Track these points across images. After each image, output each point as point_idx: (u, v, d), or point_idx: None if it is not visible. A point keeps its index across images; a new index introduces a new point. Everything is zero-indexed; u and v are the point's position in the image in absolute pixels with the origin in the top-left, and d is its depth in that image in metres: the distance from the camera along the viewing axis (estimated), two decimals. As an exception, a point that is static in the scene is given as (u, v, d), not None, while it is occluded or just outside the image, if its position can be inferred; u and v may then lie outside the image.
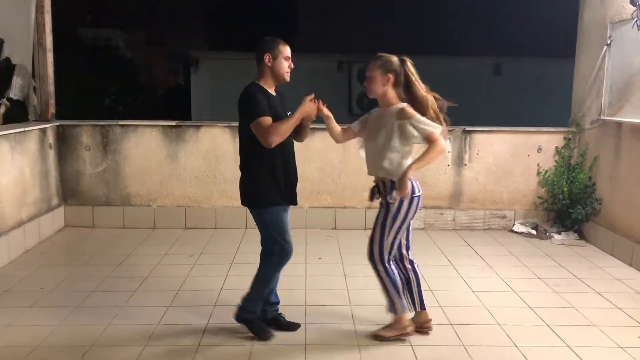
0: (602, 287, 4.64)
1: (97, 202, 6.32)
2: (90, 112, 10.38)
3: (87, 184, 6.31)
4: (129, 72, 15.82)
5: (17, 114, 6.19)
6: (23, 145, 5.53)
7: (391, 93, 3.48)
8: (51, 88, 6.30)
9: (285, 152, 3.48)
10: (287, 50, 3.43)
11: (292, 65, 3.47)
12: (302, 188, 5.97)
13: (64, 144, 6.26)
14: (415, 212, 3.52)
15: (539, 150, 6.38)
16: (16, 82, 5.90)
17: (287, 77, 3.46)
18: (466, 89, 13.21)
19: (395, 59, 3.47)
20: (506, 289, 4.61)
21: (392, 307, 3.61)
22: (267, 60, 3.39)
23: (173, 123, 6.36)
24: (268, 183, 3.42)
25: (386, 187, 3.48)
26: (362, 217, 6.36)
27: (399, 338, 3.62)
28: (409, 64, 3.47)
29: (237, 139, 3.56)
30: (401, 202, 3.43)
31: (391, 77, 3.44)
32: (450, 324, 3.89)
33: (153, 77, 17.70)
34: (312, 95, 3.45)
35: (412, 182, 3.43)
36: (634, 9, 5.21)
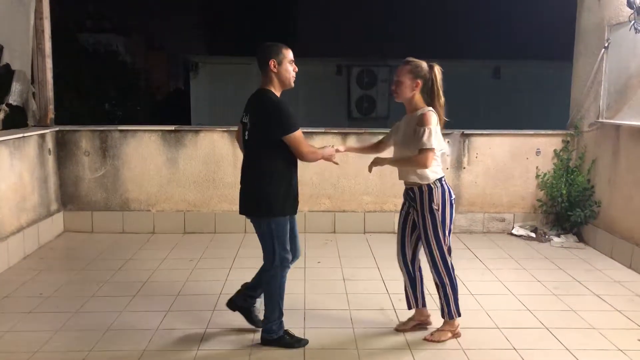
0: (601, 289, 4.64)
1: (96, 207, 6.32)
2: (90, 117, 10.41)
3: (86, 189, 6.31)
4: (128, 77, 15.85)
5: (17, 119, 6.19)
6: (22, 150, 5.54)
7: (418, 98, 3.52)
8: (50, 93, 6.31)
9: (297, 163, 3.52)
10: (290, 54, 3.42)
11: (297, 69, 3.48)
12: (301, 192, 5.97)
13: (63, 149, 6.27)
14: (452, 215, 3.60)
15: (538, 153, 6.39)
16: (15, 87, 5.90)
17: (293, 82, 3.46)
18: (465, 92, 13.24)
19: (424, 64, 3.51)
20: (505, 292, 4.61)
21: (450, 312, 3.68)
22: (272, 66, 3.36)
23: (172, 128, 6.37)
24: (284, 192, 3.41)
25: (423, 193, 3.52)
26: (362, 220, 6.37)
27: (452, 339, 3.71)
28: (437, 71, 3.52)
29: (237, 144, 3.56)
30: (444, 206, 3.52)
31: (420, 82, 3.48)
32: (450, 328, 3.88)
33: (152, 81, 17.75)
34: (334, 150, 3.67)
35: (446, 184, 3.56)
36: (632, 11, 5.22)
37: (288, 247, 3.51)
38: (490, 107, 12.99)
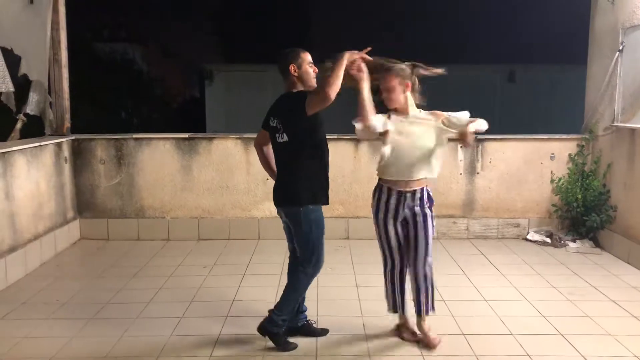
0: (617, 295, 4.59)
1: (111, 214, 6.40)
2: (106, 126, 10.53)
3: (102, 197, 6.39)
4: (144, 86, 16.01)
5: (34, 128, 6.30)
6: (39, 159, 5.63)
7: (410, 99, 3.57)
8: (66, 103, 6.41)
9: (327, 155, 3.61)
10: (308, 57, 3.52)
11: (317, 70, 3.54)
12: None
13: (79, 157, 6.36)
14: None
15: (552, 157, 6.34)
16: (32, 97, 6.02)
17: (315, 82, 3.53)
18: (480, 97, 13.18)
19: (404, 65, 3.56)
20: (519, 298, 4.57)
21: (433, 305, 3.72)
22: (293, 71, 3.46)
23: (186, 136, 6.43)
24: (323, 181, 3.54)
25: (423, 196, 3.60)
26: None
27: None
28: (417, 67, 3.60)
29: (253, 149, 3.70)
30: (431, 208, 3.64)
31: (409, 83, 3.54)
32: (463, 334, 3.87)
33: (168, 89, 17.88)
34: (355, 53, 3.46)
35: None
36: (646, 14, 5.18)
37: (323, 244, 3.59)
38: (505, 111, 12.91)
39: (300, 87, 3.50)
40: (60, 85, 6.31)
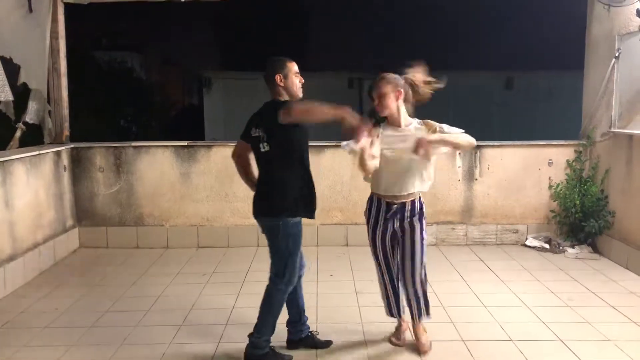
0: (616, 301, 4.59)
1: (110, 222, 6.40)
2: (104, 134, 10.54)
3: (101, 205, 6.39)
4: (142, 94, 16.02)
5: (33, 137, 6.31)
6: (38, 167, 5.63)
7: (403, 108, 3.55)
8: (65, 111, 6.43)
9: (309, 167, 3.53)
10: (295, 67, 3.48)
11: (303, 80, 3.51)
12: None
13: (78, 166, 6.37)
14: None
15: (550, 163, 6.36)
16: (32, 106, 6.03)
17: (300, 93, 3.50)
18: (478, 103, 13.24)
19: (397, 75, 3.55)
20: (519, 304, 4.57)
21: (427, 311, 3.74)
22: (279, 80, 3.41)
23: (185, 143, 6.44)
24: (305, 193, 3.45)
25: (414, 207, 3.59)
26: (374, 233, 6.36)
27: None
28: (414, 75, 3.57)
29: (252, 155, 3.56)
30: (422, 220, 3.63)
31: (402, 91, 3.51)
32: (462, 340, 3.87)
33: (167, 97, 17.91)
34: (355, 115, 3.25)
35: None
36: (641, 21, 5.21)
37: (298, 260, 3.50)
38: (502, 117, 12.96)
39: (286, 97, 3.45)
40: (59, 93, 6.33)
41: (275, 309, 3.50)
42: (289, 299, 3.63)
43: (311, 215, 3.50)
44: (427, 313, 3.74)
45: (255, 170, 3.65)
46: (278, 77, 3.41)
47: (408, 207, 3.58)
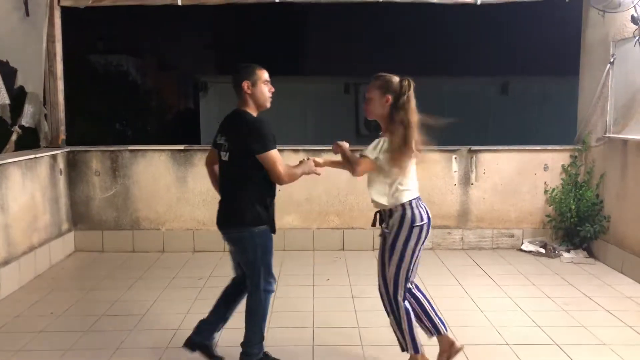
0: (612, 305, 4.61)
1: (106, 226, 6.38)
2: (101, 138, 10.53)
3: (97, 209, 6.38)
4: (139, 97, 16.03)
5: (29, 140, 6.30)
6: (34, 171, 5.62)
7: (387, 115, 3.26)
8: (62, 115, 6.42)
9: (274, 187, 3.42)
10: (265, 75, 3.35)
11: (273, 89, 3.39)
12: (309, 209, 6.02)
13: (74, 169, 6.36)
14: (417, 244, 3.22)
15: (546, 168, 6.39)
16: (28, 109, 6.02)
17: (269, 103, 3.37)
18: (474, 108, 13.29)
19: (395, 79, 3.27)
20: (515, 308, 4.58)
21: (404, 346, 3.35)
22: (246, 88, 3.28)
23: (181, 147, 6.44)
24: (268, 202, 3.35)
25: (393, 216, 3.25)
26: (370, 237, 6.37)
27: None
28: (410, 84, 3.24)
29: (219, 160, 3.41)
30: (398, 232, 3.21)
31: (390, 97, 3.22)
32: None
33: (163, 101, 17.91)
34: (312, 163, 3.47)
35: (412, 210, 3.21)
36: (636, 27, 5.25)
37: (272, 271, 3.40)
38: (498, 122, 13.01)
39: (252, 106, 3.32)
40: (55, 97, 6.32)
41: (260, 315, 3.40)
42: (229, 300, 3.55)
43: (272, 230, 3.38)
44: (407, 349, 3.33)
45: None
46: (246, 84, 3.28)
47: (387, 213, 3.29)
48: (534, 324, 4.24)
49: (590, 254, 6.04)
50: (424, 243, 3.29)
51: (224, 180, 3.43)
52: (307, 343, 3.91)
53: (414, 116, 3.20)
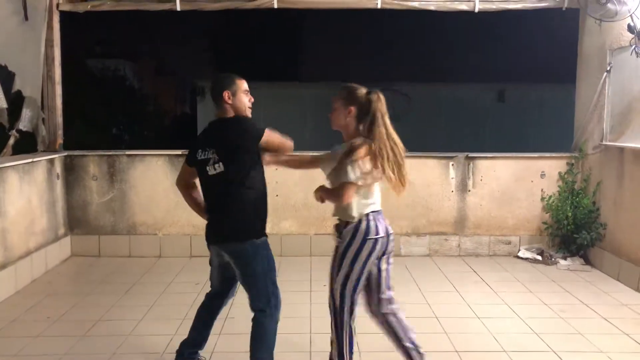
0: (608, 312, 4.62)
1: (103, 231, 6.37)
2: (98, 142, 10.52)
3: (94, 213, 6.37)
4: (137, 102, 16.03)
5: (26, 145, 6.29)
6: (31, 175, 5.61)
7: (352, 126, 3.18)
8: (59, 119, 6.41)
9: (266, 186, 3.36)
10: (244, 85, 3.30)
11: (252, 99, 3.33)
12: (307, 215, 5.99)
13: (72, 174, 6.35)
14: (368, 257, 3.11)
15: (543, 175, 6.41)
16: (25, 113, 6.02)
17: (249, 112, 3.30)
18: (470, 115, 13.33)
19: (361, 90, 3.19)
20: (512, 315, 4.59)
21: None
22: (226, 97, 3.21)
23: (179, 152, 6.43)
24: (264, 215, 3.29)
25: (341, 226, 3.19)
26: (367, 244, 6.38)
27: None
28: (376, 98, 3.13)
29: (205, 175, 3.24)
30: (350, 243, 3.10)
31: (353, 109, 3.14)
32: (456, 351, 3.88)
33: (160, 106, 17.91)
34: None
35: (369, 222, 3.10)
36: (632, 36, 5.29)
37: (276, 281, 3.29)
38: (495, 129, 13.04)
39: (233, 116, 3.24)
40: (53, 101, 6.32)
41: (272, 341, 3.21)
42: (204, 320, 3.46)
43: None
44: None
45: (200, 196, 3.40)
46: (226, 94, 3.21)
47: (342, 227, 3.18)
48: (530, 331, 4.25)
49: (587, 261, 6.05)
50: (381, 259, 3.17)
51: (215, 195, 3.25)
52: (305, 349, 3.91)
53: (381, 128, 3.08)
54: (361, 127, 3.15)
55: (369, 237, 3.10)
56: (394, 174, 3.07)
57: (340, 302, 3.18)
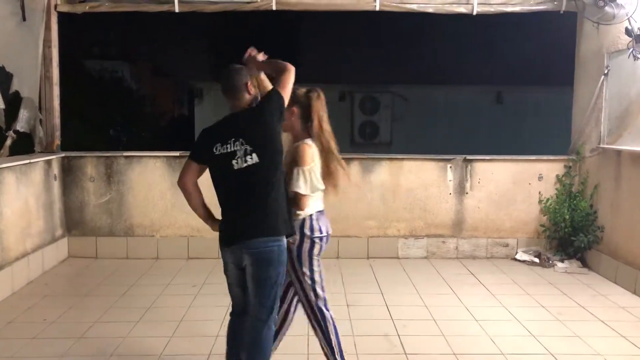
0: (605, 315, 4.62)
1: (100, 232, 6.35)
2: (95, 143, 10.49)
3: (91, 215, 6.35)
4: (134, 103, 15.99)
5: (24, 145, 6.27)
6: (28, 176, 5.60)
7: (298, 127, 3.23)
8: (57, 120, 6.40)
9: None
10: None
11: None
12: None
13: (69, 175, 6.33)
14: (319, 254, 3.23)
15: (540, 178, 6.41)
16: (23, 114, 6.00)
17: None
18: (468, 118, 13.34)
19: (301, 90, 3.24)
20: (509, 317, 4.59)
21: (332, 358, 3.34)
22: (250, 88, 3.09)
23: (176, 154, 6.42)
24: (291, 212, 3.14)
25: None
26: (365, 246, 6.38)
27: None
28: (315, 96, 3.21)
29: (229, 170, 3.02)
30: (301, 242, 3.18)
31: (296, 110, 3.20)
32: (454, 354, 3.88)
33: (158, 107, 17.87)
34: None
35: (312, 222, 3.18)
36: (630, 39, 5.29)
37: None
38: (492, 132, 13.05)
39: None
40: (50, 102, 6.30)
41: (268, 349, 3.09)
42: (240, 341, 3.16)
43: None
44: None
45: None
46: (249, 85, 3.08)
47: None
48: (528, 333, 4.25)
49: (584, 264, 6.06)
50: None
51: (245, 190, 3.00)
52: (302, 351, 3.90)
53: (318, 125, 3.19)
54: (307, 127, 3.22)
55: (315, 236, 3.21)
56: (340, 168, 3.28)
57: (316, 298, 3.27)
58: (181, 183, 3.19)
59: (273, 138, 3.01)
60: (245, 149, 2.96)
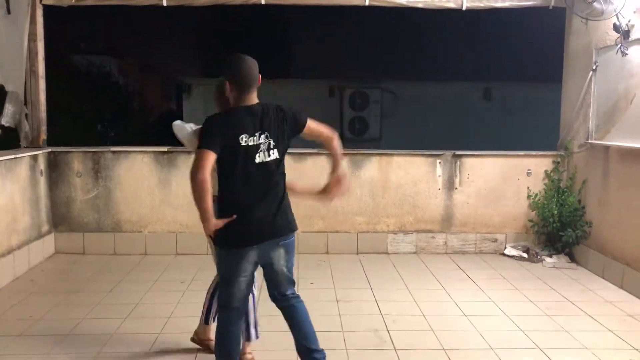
0: (593, 309, 4.65)
1: (87, 228, 6.29)
2: (82, 138, 10.39)
3: (78, 211, 6.29)
4: (121, 98, 15.86)
5: (9, 140, 6.19)
6: (14, 172, 5.52)
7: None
8: (43, 115, 6.32)
9: None
10: None
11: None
12: (295, 213, 5.94)
13: (55, 170, 6.26)
14: None
15: (529, 173, 6.44)
16: (8, 109, 5.91)
17: None
18: (456, 114, 13.39)
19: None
20: (498, 312, 4.61)
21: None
22: (259, 80, 3.12)
23: (165, 149, 6.38)
24: None
25: None
26: (355, 241, 6.37)
27: None
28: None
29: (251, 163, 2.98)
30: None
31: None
32: (443, 349, 3.88)
33: (145, 103, 17.74)
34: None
35: None
36: (618, 35, 5.32)
37: None
38: (481, 128, 13.11)
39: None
40: (36, 96, 6.22)
41: None
42: (293, 324, 3.34)
43: None
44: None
45: None
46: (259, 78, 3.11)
47: None
48: (517, 328, 4.27)
49: (572, 259, 6.09)
50: None
51: (265, 185, 3.02)
52: (292, 347, 3.87)
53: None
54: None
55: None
56: None
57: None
58: (201, 177, 2.83)
59: (288, 139, 3.12)
60: (269, 143, 2.99)
